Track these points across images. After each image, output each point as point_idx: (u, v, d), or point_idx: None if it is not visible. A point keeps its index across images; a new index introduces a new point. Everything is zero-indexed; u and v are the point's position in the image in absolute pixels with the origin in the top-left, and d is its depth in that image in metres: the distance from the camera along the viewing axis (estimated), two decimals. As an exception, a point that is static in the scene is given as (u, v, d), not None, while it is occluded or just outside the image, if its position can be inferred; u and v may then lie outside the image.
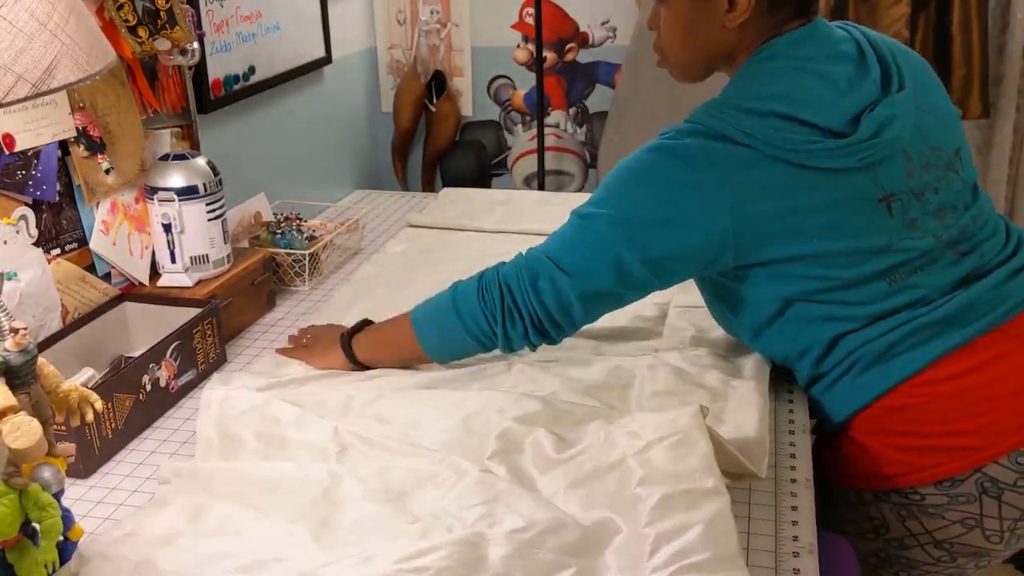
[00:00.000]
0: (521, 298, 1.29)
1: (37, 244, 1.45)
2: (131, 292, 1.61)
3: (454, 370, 1.43)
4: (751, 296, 1.30)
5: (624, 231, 1.24)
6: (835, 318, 1.27)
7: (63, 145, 1.48)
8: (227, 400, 1.30)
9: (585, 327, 1.35)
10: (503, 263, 1.35)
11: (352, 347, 1.44)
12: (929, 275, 1.26)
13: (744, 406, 1.29)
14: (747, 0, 1.23)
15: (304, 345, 1.54)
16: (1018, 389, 1.24)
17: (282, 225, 1.94)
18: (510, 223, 2.11)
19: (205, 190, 1.59)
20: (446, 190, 2.39)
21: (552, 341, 1.34)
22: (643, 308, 1.58)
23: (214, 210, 1.62)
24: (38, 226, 1.45)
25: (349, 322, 1.52)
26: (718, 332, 1.50)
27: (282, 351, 1.54)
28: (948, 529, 1.28)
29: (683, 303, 1.59)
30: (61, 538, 0.99)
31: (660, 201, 1.23)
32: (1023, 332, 1.26)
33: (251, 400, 1.30)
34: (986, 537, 1.28)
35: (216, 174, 1.62)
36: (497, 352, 1.39)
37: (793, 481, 1.21)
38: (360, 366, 1.45)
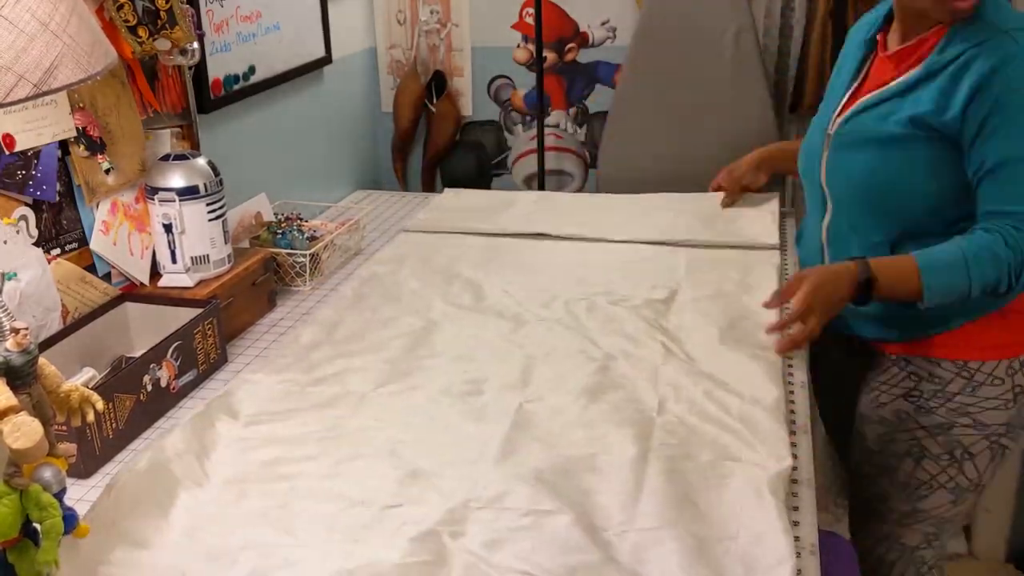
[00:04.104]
0: None
1: (37, 244, 1.45)
2: (131, 292, 1.61)
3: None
4: None
5: None
6: None
7: (63, 145, 1.48)
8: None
9: None
10: (1008, 223, 1.40)
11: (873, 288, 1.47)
12: None
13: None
14: None
15: (808, 310, 1.46)
16: None
17: (283, 225, 1.94)
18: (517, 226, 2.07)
19: (206, 190, 1.59)
20: (447, 191, 2.38)
21: None
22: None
23: (215, 210, 1.62)
24: (38, 226, 1.45)
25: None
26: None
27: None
28: None
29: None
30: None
31: None
32: None
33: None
34: None
35: (216, 174, 1.62)
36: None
37: (795, 481, 1.21)
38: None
